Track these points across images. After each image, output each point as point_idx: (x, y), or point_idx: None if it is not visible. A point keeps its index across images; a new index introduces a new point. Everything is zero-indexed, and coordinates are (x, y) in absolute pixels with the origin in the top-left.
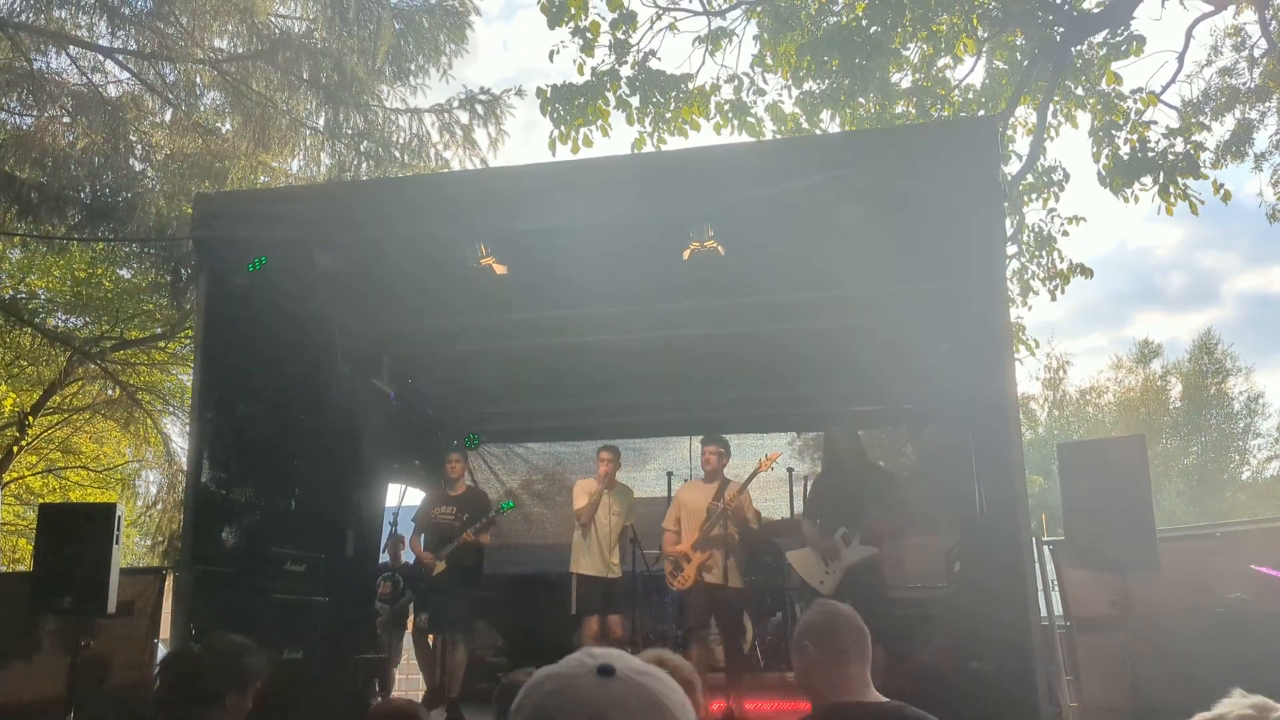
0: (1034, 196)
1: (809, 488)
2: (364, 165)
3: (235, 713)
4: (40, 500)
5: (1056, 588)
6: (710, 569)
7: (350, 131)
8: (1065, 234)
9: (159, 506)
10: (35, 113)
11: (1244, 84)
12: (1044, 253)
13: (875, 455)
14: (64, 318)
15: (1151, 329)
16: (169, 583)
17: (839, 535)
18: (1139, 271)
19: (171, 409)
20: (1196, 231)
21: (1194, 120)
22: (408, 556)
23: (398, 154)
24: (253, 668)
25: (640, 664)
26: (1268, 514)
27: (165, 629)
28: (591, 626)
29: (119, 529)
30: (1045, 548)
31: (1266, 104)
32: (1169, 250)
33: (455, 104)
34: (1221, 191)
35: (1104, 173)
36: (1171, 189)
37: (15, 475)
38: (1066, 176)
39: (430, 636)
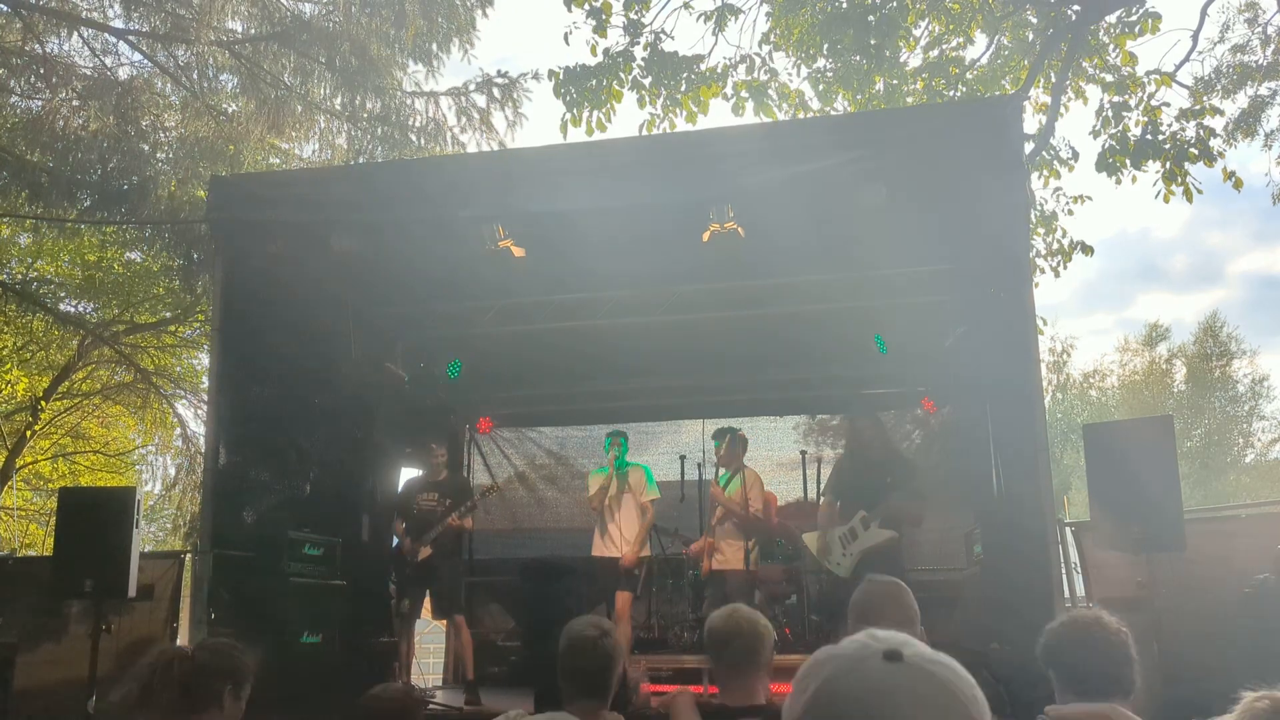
0: (1038, 175)
1: (832, 468)
2: (379, 149)
3: (231, 714)
4: (50, 485)
5: (1079, 569)
6: (719, 555)
7: (366, 115)
8: (1070, 213)
9: (178, 488)
10: (46, 96)
11: (1256, 61)
12: (1045, 231)
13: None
14: (73, 302)
15: (1155, 309)
16: (188, 566)
17: (858, 518)
18: (1143, 251)
19: (182, 392)
20: (1200, 211)
21: (1205, 103)
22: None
23: (414, 138)
24: (246, 668)
25: (927, 650)
26: (1272, 497)
27: (185, 612)
28: (602, 608)
29: (138, 513)
30: (1067, 530)
31: (1278, 81)
32: (1173, 230)
33: (472, 87)
34: (1233, 179)
35: (1107, 153)
36: (1176, 175)
37: (29, 460)
38: (1075, 155)
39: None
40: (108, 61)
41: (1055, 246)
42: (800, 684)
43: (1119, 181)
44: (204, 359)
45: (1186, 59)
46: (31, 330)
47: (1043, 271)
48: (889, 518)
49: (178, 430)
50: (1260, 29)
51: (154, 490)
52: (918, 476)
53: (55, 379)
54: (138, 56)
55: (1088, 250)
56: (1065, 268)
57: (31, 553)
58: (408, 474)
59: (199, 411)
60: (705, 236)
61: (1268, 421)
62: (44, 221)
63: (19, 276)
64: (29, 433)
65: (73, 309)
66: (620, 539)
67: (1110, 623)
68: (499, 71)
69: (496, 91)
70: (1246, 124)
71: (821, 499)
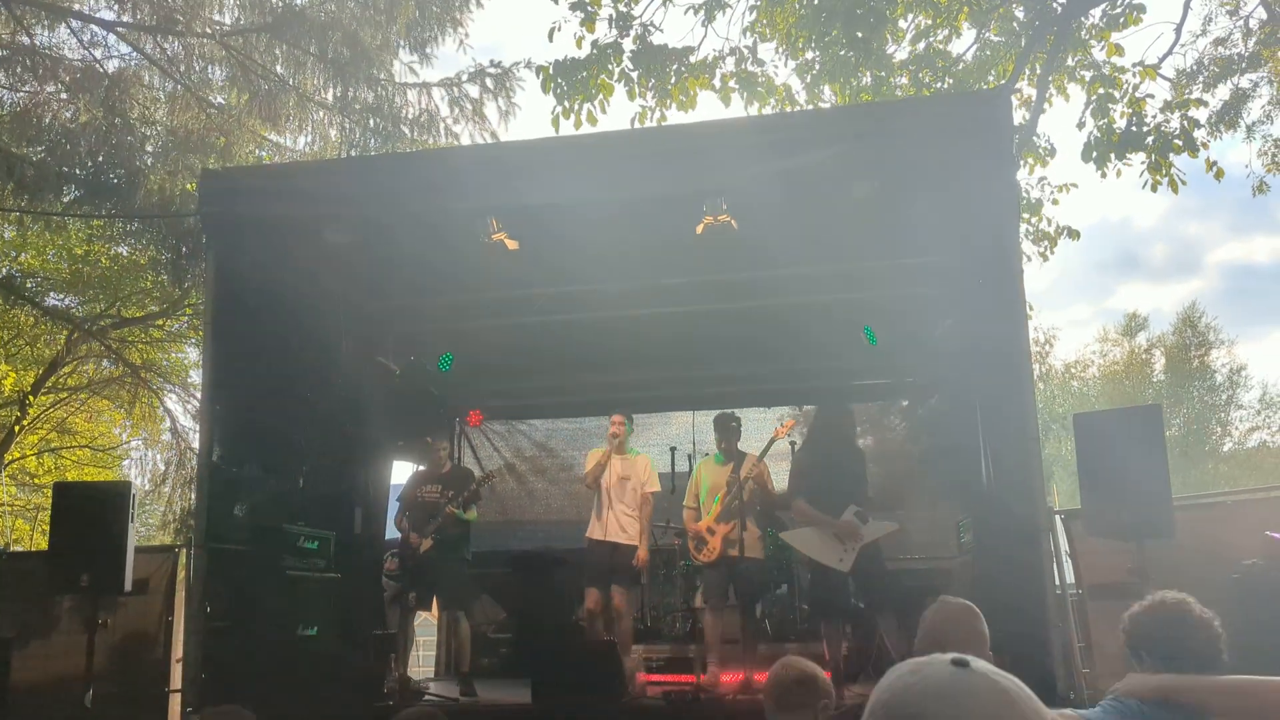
0: (1022, 163)
1: (793, 466)
2: (372, 141)
3: None
4: (37, 481)
5: (1069, 556)
6: (733, 542)
7: (359, 106)
8: (1055, 202)
9: (167, 484)
10: (34, 88)
11: (1237, 53)
12: (1031, 215)
13: (872, 429)
14: (60, 297)
15: (1134, 299)
16: (183, 560)
17: (852, 513)
18: (1121, 241)
19: (170, 386)
20: (1179, 201)
21: (1188, 95)
22: (392, 534)
23: (406, 129)
24: None
25: (994, 667)
26: (1250, 484)
27: (179, 606)
28: (592, 595)
29: (134, 507)
30: (1057, 517)
31: (1259, 73)
32: (1152, 220)
33: (464, 78)
34: (1214, 169)
35: (1092, 144)
36: (1161, 166)
37: (15, 455)
38: (1053, 150)
39: (435, 614)
40: (96, 53)
41: (1041, 232)
42: (878, 688)
43: (1104, 175)
44: (192, 353)
45: (1170, 51)
46: (18, 324)
47: (1029, 258)
48: (878, 510)
49: (166, 424)
50: (1241, 21)
51: (143, 485)
52: (866, 465)
53: (43, 374)
54: (126, 48)
55: (1074, 234)
56: (1052, 253)
57: (19, 548)
58: (412, 468)
59: (188, 405)
60: (699, 229)
61: (1245, 410)
62: (30, 215)
63: (3, 270)
64: (16, 428)
65: (59, 303)
66: (617, 524)
67: (1195, 604)
68: (491, 61)
69: (489, 82)
70: (1229, 116)
71: (795, 499)
